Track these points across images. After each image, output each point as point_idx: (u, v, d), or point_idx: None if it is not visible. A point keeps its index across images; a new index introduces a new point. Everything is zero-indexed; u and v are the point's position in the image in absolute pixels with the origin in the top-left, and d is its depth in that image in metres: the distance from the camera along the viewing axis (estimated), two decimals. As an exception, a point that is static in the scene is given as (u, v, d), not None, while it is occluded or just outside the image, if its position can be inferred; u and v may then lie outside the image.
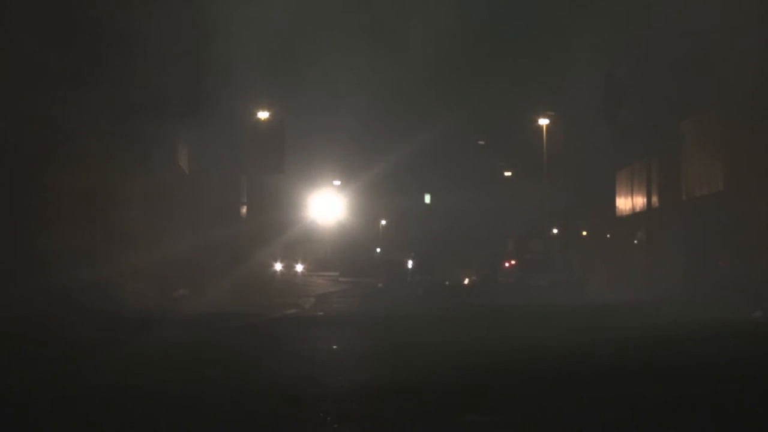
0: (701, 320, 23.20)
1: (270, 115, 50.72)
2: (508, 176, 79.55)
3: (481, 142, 78.73)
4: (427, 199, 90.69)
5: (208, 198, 39.32)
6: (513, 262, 61.88)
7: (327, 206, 75.45)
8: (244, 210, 51.53)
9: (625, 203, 50.68)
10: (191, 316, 24.91)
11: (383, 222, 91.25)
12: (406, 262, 61.50)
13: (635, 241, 48.71)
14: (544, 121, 59.25)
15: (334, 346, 18.11)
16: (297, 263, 63.81)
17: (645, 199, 45.42)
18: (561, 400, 11.45)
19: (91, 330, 19.71)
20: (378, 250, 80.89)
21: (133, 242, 32.83)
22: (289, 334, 20.97)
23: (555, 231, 66.69)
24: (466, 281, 46.57)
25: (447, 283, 47.19)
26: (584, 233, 61.54)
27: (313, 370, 14.25)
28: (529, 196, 65.98)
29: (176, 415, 10.61)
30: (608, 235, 55.40)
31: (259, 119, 50.39)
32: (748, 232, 33.61)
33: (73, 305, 24.09)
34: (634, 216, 48.41)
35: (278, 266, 57.76)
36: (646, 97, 43.44)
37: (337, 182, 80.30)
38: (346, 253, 73.22)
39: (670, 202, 41.70)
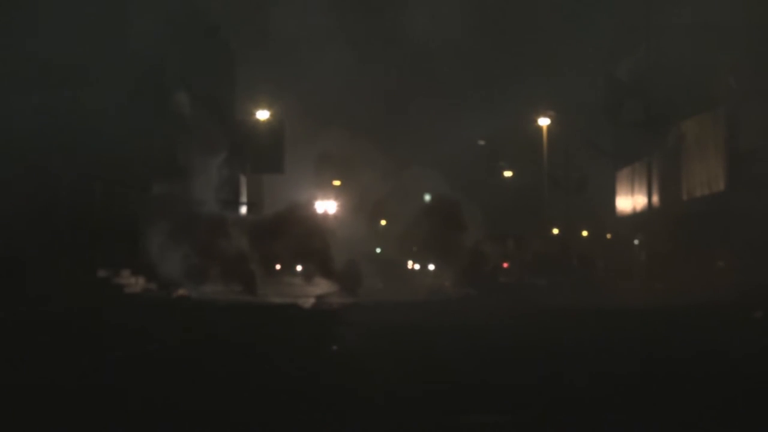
0: (701, 320, 23.16)
1: (270, 115, 50.73)
2: (508, 176, 79.51)
3: (481, 142, 78.67)
4: (427, 199, 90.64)
5: (208, 198, 39.27)
6: (513, 262, 61.84)
7: (327, 206, 75.38)
8: (244, 210, 51.49)
9: (625, 203, 50.71)
10: (190, 317, 24.87)
11: (383, 222, 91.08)
12: (406, 263, 61.39)
13: (635, 242, 48.71)
14: (544, 121, 59.26)
15: (334, 347, 18.08)
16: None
17: (645, 199, 45.43)
18: (561, 399, 11.44)
19: (90, 330, 19.70)
20: (378, 250, 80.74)
21: (132, 242, 32.82)
22: (288, 334, 20.94)
23: (555, 231, 66.66)
24: (466, 281, 46.49)
25: (447, 283, 47.11)
26: (584, 233, 61.53)
27: (312, 369, 14.22)
28: (529, 196, 65.96)
29: (177, 418, 10.61)
30: (608, 235, 55.42)
31: (258, 119, 50.39)
32: (748, 232, 33.60)
33: (76, 305, 24.09)
34: (635, 216, 48.43)
35: (277, 266, 57.57)
36: (646, 97, 43.46)
37: (337, 182, 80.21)
38: (346, 254, 72.95)
39: (670, 202, 41.71)
